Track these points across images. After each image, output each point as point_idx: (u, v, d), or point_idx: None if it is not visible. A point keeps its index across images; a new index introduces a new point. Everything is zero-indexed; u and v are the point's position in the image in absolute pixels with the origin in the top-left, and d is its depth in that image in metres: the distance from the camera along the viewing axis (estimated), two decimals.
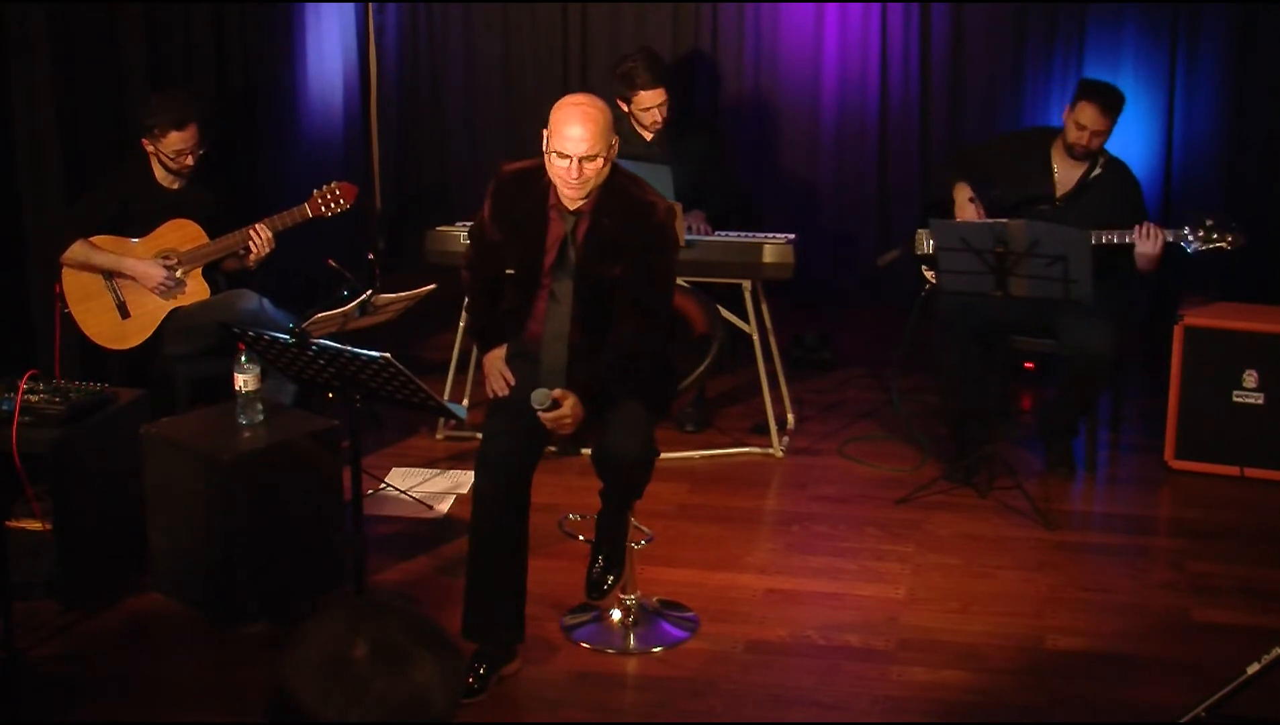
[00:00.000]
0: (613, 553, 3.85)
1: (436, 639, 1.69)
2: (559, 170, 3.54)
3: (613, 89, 5.43)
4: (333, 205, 4.90)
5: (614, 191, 3.64)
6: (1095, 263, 4.52)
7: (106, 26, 5.26)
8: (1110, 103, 4.88)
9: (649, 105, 5.38)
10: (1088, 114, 4.86)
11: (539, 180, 3.67)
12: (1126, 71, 6.44)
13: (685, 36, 6.97)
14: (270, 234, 4.82)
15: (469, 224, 5.37)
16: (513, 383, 3.74)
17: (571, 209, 3.63)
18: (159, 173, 4.88)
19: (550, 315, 3.70)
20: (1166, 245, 4.74)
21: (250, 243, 4.82)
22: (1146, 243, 4.71)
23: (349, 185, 4.94)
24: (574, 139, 3.50)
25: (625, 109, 5.41)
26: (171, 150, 4.80)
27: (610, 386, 3.61)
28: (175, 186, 4.90)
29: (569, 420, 3.52)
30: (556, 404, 3.51)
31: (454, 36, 7.31)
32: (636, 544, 3.99)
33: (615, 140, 3.60)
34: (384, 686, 1.62)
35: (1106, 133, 4.89)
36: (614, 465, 3.67)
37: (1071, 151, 4.94)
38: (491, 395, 3.80)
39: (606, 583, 3.83)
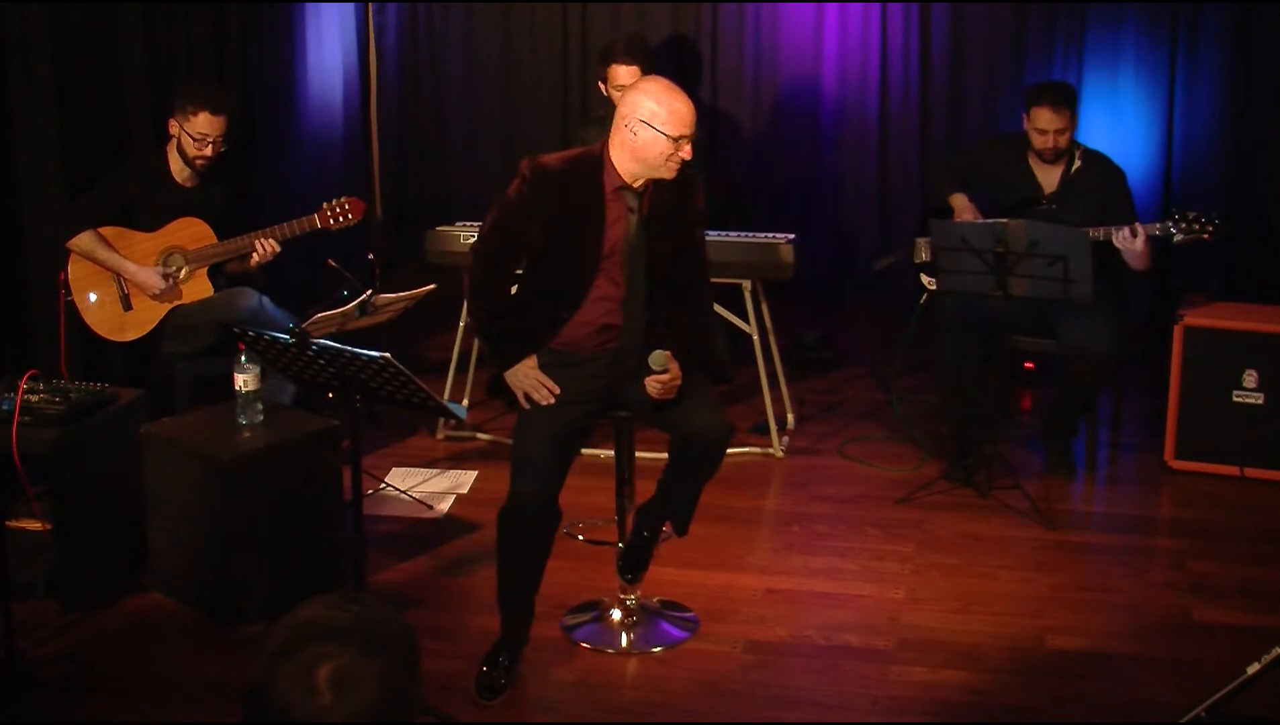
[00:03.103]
0: (651, 538, 3.90)
1: (376, 638, 1.74)
2: (677, 153, 3.53)
3: (596, 72, 5.39)
4: (340, 219, 4.93)
5: None
6: (1095, 262, 4.53)
7: (106, 26, 5.26)
8: (1058, 98, 4.89)
9: (622, 82, 5.26)
10: (1043, 117, 4.87)
11: (588, 166, 3.64)
12: (1126, 71, 6.45)
13: (685, 36, 6.97)
14: (277, 245, 4.83)
15: (469, 224, 5.38)
16: (557, 392, 3.67)
17: (636, 186, 3.62)
18: (175, 166, 4.87)
19: (629, 292, 3.68)
20: (1154, 238, 4.75)
21: (255, 253, 4.83)
22: (1127, 242, 4.73)
23: (357, 201, 4.97)
24: (692, 121, 3.53)
25: (604, 90, 5.35)
26: (197, 132, 4.76)
27: (698, 355, 3.67)
28: (189, 184, 4.90)
29: (677, 382, 3.60)
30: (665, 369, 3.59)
31: (454, 36, 7.31)
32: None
33: None
34: (350, 709, 1.69)
35: (1069, 128, 4.90)
36: (706, 444, 3.69)
37: (1043, 157, 4.95)
38: (526, 406, 3.68)
39: (636, 570, 3.91)
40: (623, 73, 5.26)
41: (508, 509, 3.64)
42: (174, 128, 4.83)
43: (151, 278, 4.77)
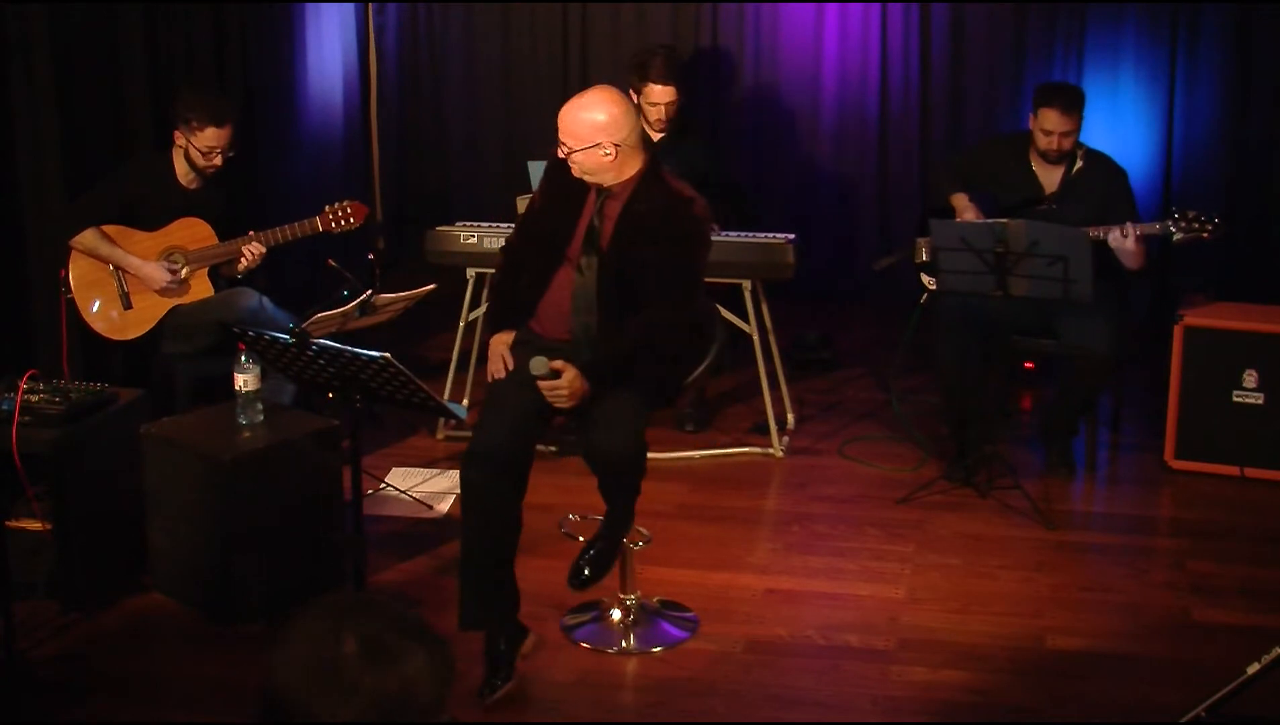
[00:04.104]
0: (605, 548, 3.85)
1: (421, 630, 1.71)
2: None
3: (626, 79, 5.39)
4: (343, 222, 4.96)
5: (654, 182, 3.69)
6: (1095, 262, 4.53)
7: (106, 26, 5.26)
8: (1069, 101, 4.89)
9: (657, 100, 5.36)
10: (1050, 118, 4.87)
11: None
12: (1126, 71, 6.45)
13: (685, 36, 6.97)
14: (263, 251, 4.83)
15: (469, 224, 5.38)
16: (511, 368, 3.73)
17: (604, 186, 3.68)
18: (180, 168, 4.89)
19: (578, 289, 3.72)
20: (1151, 237, 4.76)
21: (243, 259, 4.83)
22: (1119, 242, 4.74)
23: (360, 205, 4.99)
24: (558, 124, 3.64)
25: (635, 99, 5.36)
26: (204, 146, 4.80)
27: (619, 370, 3.62)
28: (193, 186, 4.90)
29: (565, 392, 3.55)
30: (555, 374, 3.53)
31: (454, 36, 7.31)
32: (636, 544, 3.99)
33: (609, 140, 3.59)
34: (374, 682, 1.64)
35: (1075, 131, 4.90)
36: (601, 461, 3.67)
37: (1046, 157, 4.95)
38: (490, 380, 3.79)
39: (584, 574, 3.82)
40: (658, 92, 5.35)
41: (461, 497, 3.66)
42: (180, 139, 4.84)
43: (156, 272, 4.77)
